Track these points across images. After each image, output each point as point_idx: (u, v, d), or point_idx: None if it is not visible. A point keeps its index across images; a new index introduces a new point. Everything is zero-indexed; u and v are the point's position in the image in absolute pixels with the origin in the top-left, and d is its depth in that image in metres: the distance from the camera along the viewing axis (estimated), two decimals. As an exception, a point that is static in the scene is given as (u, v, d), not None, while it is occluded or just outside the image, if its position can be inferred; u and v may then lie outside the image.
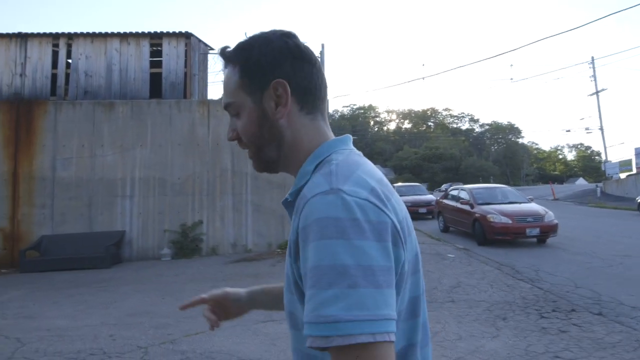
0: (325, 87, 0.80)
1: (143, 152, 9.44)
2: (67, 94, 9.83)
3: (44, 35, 9.72)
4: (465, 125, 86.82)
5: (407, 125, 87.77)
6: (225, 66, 0.78)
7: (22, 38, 9.70)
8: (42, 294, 6.54)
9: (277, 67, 0.74)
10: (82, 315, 5.39)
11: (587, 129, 34.99)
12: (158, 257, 9.17)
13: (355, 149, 0.78)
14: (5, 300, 6.29)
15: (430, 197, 16.40)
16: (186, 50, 9.86)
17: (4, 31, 9.63)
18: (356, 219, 0.60)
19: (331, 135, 0.79)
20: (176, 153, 9.45)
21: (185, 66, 9.79)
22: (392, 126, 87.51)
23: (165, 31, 9.79)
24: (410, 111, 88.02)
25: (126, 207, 9.36)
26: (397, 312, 0.62)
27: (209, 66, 10.38)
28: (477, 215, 9.90)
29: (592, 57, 31.23)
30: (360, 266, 0.57)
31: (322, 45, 10.21)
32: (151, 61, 9.90)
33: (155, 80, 9.86)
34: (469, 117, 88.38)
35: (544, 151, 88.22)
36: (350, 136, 0.81)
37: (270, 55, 0.74)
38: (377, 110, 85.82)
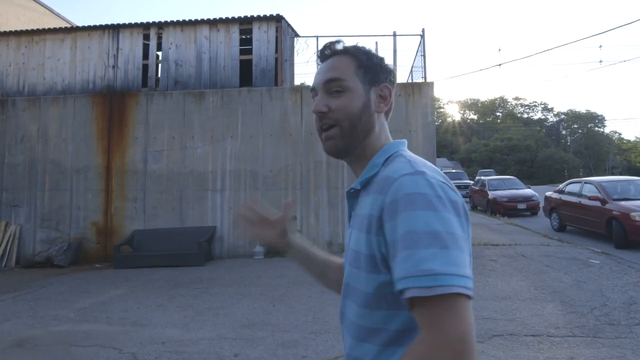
0: None
1: (233, 144, 8.90)
2: (158, 85, 9.54)
3: (135, 25, 9.49)
4: (537, 115, 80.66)
5: (472, 116, 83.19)
6: (337, 53, 0.93)
7: (114, 29, 9.54)
8: (143, 295, 6.10)
9: (388, 75, 0.95)
10: (193, 323, 4.78)
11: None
12: (250, 254, 8.60)
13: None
14: (107, 301, 5.91)
15: (529, 191, 14.67)
16: (277, 35, 9.17)
17: (96, 23, 9.43)
18: (439, 195, 0.74)
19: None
20: (268, 144, 8.81)
21: (276, 51, 9.11)
22: (457, 117, 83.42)
23: (255, 15, 9.17)
24: (475, 101, 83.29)
25: (217, 202, 8.88)
26: None
27: (296, 52, 9.62)
28: (614, 213, 8.31)
29: None
30: (449, 233, 0.70)
31: (423, 30, 9.08)
32: (241, 48, 9.34)
33: (245, 68, 9.30)
34: (542, 105, 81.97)
35: (629, 141, 79.70)
36: (406, 141, 0.97)
37: (386, 67, 0.95)
38: (440, 101, 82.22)
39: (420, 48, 9.05)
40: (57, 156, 9.29)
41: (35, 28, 9.95)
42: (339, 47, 0.94)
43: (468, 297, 0.68)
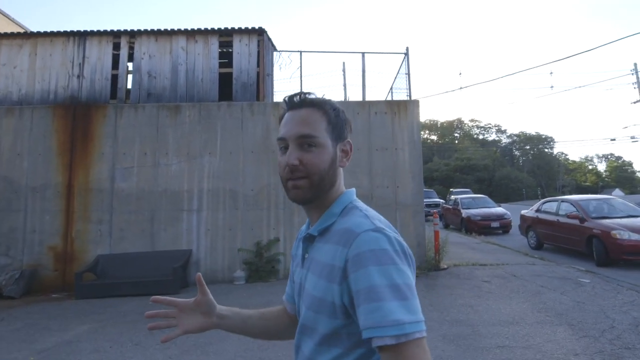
0: None
1: (212, 161, 8.35)
2: (129, 97, 8.87)
3: (104, 33, 8.83)
4: (492, 136, 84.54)
5: (432, 137, 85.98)
6: (308, 105, 0.99)
7: (81, 37, 8.84)
8: (115, 331, 5.38)
9: (346, 130, 1.04)
10: (182, 365, 4.19)
11: (632, 137, 33.01)
12: (230, 280, 7.99)
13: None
14: (73, 339, 5.15)
15: (501, 210, 14.93)
16: (259, 49, 8.82)
17: (61, 29, 8.70)
18: (397, 250, 0.84)
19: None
20: (249, 161, 8.33)
21: (258, 65, 8.74)
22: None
23: (236, 27, 8.79)
24: (435, 122, 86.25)
25: (192, 223, 8.25)
26: None
27: (278, 67, 9.30)
28: (594, 231, 8.45)
29: (635, 64, 29.48)
30: (406, 284, 0.81)
31: (407, 49, 9.05)
32: (220, 60, 8.89)
33: (225, 81, 8.85)
34: (496, 127, 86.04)
35: (574, 162, 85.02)
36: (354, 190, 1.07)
37: (346, 121, 1.04)
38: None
39: (404, 66, 8.99)
40: (9, 173, 8.34)
41: (-12, 32, 9.04)
42: (311, 98, 1.00)
43: (425, 337, 0.79)
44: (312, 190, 0.96)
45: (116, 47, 8.88)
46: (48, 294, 7.96)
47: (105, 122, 8.44)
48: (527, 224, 11.08)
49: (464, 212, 14.83)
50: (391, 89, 10.67)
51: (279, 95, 9.18)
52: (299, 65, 8.80)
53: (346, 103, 8.58)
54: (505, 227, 14.12)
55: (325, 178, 0.96)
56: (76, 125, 8.42)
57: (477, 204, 15.45)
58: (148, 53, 8.77)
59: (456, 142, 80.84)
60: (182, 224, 8.24)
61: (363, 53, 8.98)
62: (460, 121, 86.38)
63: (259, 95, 8.70)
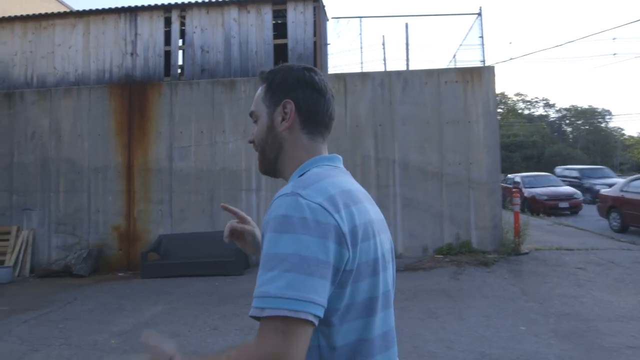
0: (331, 117, 0.99)
1: (270, 138, 8.02)
2: (183, 74, 8.62)
3: (155, 7, 8.55)
4: (539, 111, 79.95)
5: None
6: (261, 83, 0.99)
7: (132, 13, 8.60)
8: (189, 313, 5.22)
9: (291, 90, 0.92)
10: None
11: None
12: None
13: (341, 167, 0.96)
14: (149, 321, 5.03)
15: (569, 189, 13.84)
16: (314, 17, 8.27)
17: (112, 5, 8.50)
18: (304, 217, 0.74)
19: (324, 154, 0.95)
20: (308, 138, 7.92)
21: (314, 35, 8.21)
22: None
23: (290, -6, 8.26)
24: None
25: (252, 203, 8.01)
26: (346, 307, 0.78)
27: (337, 35, 8.73)
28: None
29: None
30: (299, 255, 0.71)
31: (480, 9, 8.21)
32: (275, 30, 8.43)
33: (280, 53, 8.39)
34: (544, 101, 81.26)
35: (631, 137, 79.05)
36: (339, 157, 0.98)
37: (289, 80, 0.93)
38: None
39: (475, 28, 8.19)
40: (72, 154, 8.37)
41: (43, 12, 8.98)
42: (262, 74, 0.99)
43: (303, 320, 0.70)
44: (262, 163, 0.98)
45: (167, 22, 8.59)
46: (114, 272, 8.04)
47: (161, 101, 8.25)
48: (609, 205, 10.10)
49: (527, 192, 13.86)
50: (454, 57, 9.86)
51: (340, 65, 8.64)
52: (359, 32, 8.21)
53: (411, 72, 7.94)
54: (574, 208, 13.09)
55: (266, 147, 0.95)
56: (133, 104, 8.28)
57: (540, 183, 14.40)
58: (200, 26, 8.43)
59: (499, 117, 77.03)
60: (242, 204, 8.01)
61: (406, 26, 8.25)
62: (504, 95, 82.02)
63: (316, 66, 8.18)
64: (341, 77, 8.02)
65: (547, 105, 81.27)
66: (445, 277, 6.33)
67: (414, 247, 7.65)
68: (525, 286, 5.62)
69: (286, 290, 0.70)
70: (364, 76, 7.99)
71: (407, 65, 8.56)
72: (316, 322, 0.72)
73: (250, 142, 0.99)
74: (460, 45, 9.16)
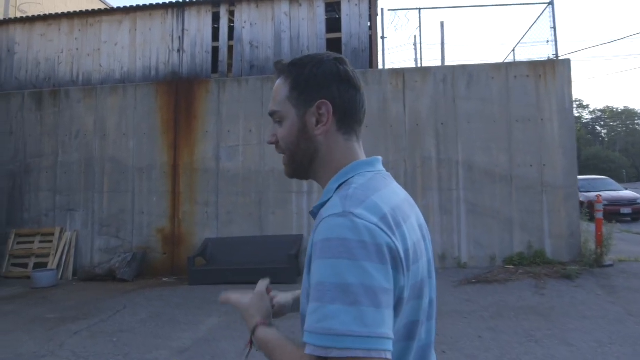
0: (365, 111, 0.89)
1: (323, 137, 7.54)
2: (231, 70, 8.27)
3: (203, 2, 8.23)
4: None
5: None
6: (278, 77, 0.87)
7: (179, 8, 8.31)
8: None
9: (324, 88, 0.81)
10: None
11: None
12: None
13: (383, 171, 0.86)
14: (209, 337, 4.59)
15: (630, 193, 12.87)
16: (370, 9, 7.77)
17: (160, 0, 8.23)
18: (363, 240, 0.66)
19: (362, 156, 0.87)
20: (364, 137, 7.31)
21: (370, 28, 7.71)
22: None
23: (344, -15, 7.79)
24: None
25: (303, 206, 7.54)
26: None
27: (394, 28, 8.21)
28: None
29: None
30: (363, 285, 0.64)
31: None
32: (328, 24, 7.97)
33: (333, 48, 7.93)
34: (577, 102, 78.34)
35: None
36: (380, 158, 0.88)
37: (320, 76, 0.82)
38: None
39: (545, 18, 7.51)
40: (116, 153, 8.11)
41: (90, 9, 8.80)
42: (280, 65, 0.88)
43: (375, 359, 0.63)
44: (291, 166, 0.90)
45: (215, 17, 8.26)
46: (158, 277, 7.70)
47: (208, 98, 7.90)
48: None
49: (583, 196, 12.94)
50: (513, 50, 9.18)
51: (398, 60, 8.10)
52: (418, 24, 7.67)
53: (476, 66, 7.33)
54: (637, 214, 12.14)
55: (297, 152, 0.86)
56: (179, 102, 7.96)
57: (596, 187, 13.45)
58: (249, 21, 8.05)
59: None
60: (292, 207, 7.57)
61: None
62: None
63: (372, 61, 7.70)
64: (399, 73, 7.47)
65: (581, 106, 78.41)
66: (527, 291, 5.68)
67: (480, 256, 7.02)
68: (627, 305, 4.93)
69: (355, 326, 0.62)
70: (424, 71, 7.43)
71: (443, 58, 7.93)
72: (390, 357, 0.64)
73: (271, 143, 0.90)
74: (523, 37, 8.48)
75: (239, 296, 0.95)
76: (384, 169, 0.87)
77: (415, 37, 13.66)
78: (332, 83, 0.82)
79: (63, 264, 7.90)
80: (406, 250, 0.71)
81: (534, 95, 7.05)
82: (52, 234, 8.13)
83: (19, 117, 8.48)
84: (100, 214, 8.09)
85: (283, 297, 1.06)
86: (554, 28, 7.29)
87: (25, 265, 8.05)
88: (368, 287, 0.64)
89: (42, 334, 4.77)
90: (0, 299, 6.60)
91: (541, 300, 5.33)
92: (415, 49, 7.85)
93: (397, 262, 0.69)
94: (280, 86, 0.86)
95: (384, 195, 0.75)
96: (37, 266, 7.93)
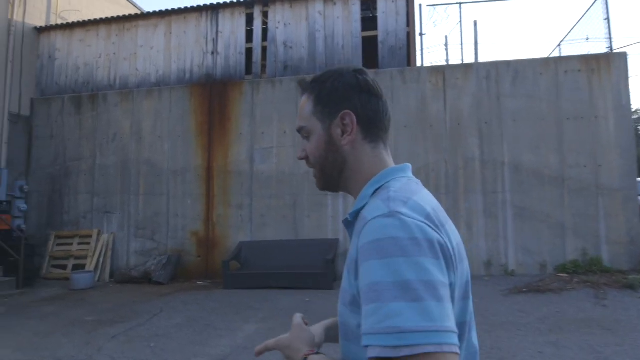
0: (389, 118, 0.89)
1: (359, 138, 7.31)
2: (265, 71, 8.17)
3: (237, 4, 8.18)
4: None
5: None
6: (302, 94, 0.90)
7: (213, 10, 8.29)
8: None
9: (346, 99, 0.83)
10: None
11: None
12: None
13: (413, 177, 0.85)
14: (248, 345, 4.42)
15: None
16: (407, 5, 7.50)
17: (194, 3, 8.23)
18: (415, 237, 0.66)
19: (391, 163, 0.86)
20: (402, 137, 7.13)
21: (407, 25, 7.44)
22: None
23: (381, -19, 7.56)
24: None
25: (339, 209, 7.32)
26: None
27: (433, 24, 7.91)
28: None
29: None
30: (422, 281, 0.63)
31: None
32: (363, 23, 7.76)
33: (369, 46, 7.72)
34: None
35: None
36: (410, 165, 0.87)
37: (341, 88, 0.83)
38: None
39: (598, 8, 7.03)
40: (152, 156, 8.14)
41: (126, 14, 8.92)
42: (304, 84, 0.91)
43: (447, 353, 0.60)
44: (322, 179, 0.90)
45: (249, 18, 8.20)
46: (192, 280, 7.65)
47: (242, 100, 7.82)
48: None
49: None
50: (559, 45, 8.68)
51: (436, 57, 7.80)
52: (459, 19, 7.33)
53: (522, 62, 6.92)
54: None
55: (326, 165, 0.87)
56: (213, 104, 7.92)
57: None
58: (283, 21, 7.93)
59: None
60: (327, 210, 7.36)
61: None
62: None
63: (410, 59, 7.41)
64: (439, 70, 7.16)
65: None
66: (586, 302, 5.24)
67: (528, 264, 6.58)
68: None
69: (422, 322, 0.61)
70: (466, 68, 7.08)
71: (477, 59, 7.52)
72: (459, 351, 0.62)
73: (302, 159, 0.91)
74: (571, 30, 7.98)
75: (275, 339, 0.91)
76: (412, 175, 0.87)
77: (446, 37, 13.26)
78: (353, 94, 0.84)
79: (100, 266, 7.97)
80: (453, 249, 0.71)
81: (587, 91, 6.58)
82: (90, 236, 8.23)
83: (59, 121, 8.66)
84: (136, 216, 8.13)
85: (314, 329, 1.01)
86: (608, 19, 6.80)
87: (64, 267, 8.18)
88: (427, 282, 0.63)
89: (81, 337, 4.73)
90: (41, 300, 6.69)
91: (604, 312, 4.88)
92: (462, 43, 7.48)
93: (447, 258, 0.68)
94: (305, 103, 0.89)
95: (422, 197, 0.76)
96: (76, 268, 8.04)
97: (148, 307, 6.01)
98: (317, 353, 0.83)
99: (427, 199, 0.76)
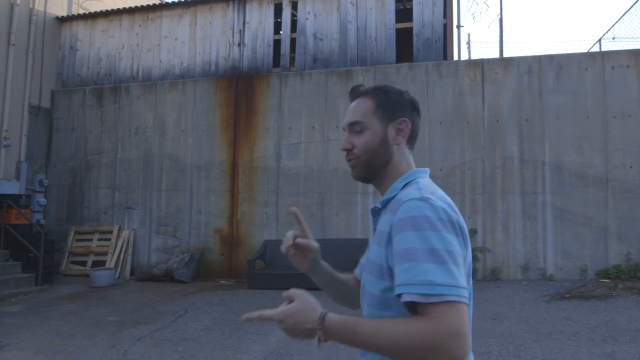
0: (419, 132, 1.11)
1: (391, 135, 7.02)
2: (293, 64, 7.91)
3: (264, -6, 7.92)
4: None
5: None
6: (356, 97, 1.10)
7: (240, 0, 8.04)
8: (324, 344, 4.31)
9: (405, 110, 1.06)
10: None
11: None
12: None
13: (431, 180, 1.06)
14: (283, 352, 4.17)
15: None
16: (444, -5, 7.19)
17: None
18: (442, 218, 0.87)
19: (415, 165, 1.09)
20: (437, 134, 6.83)
21: (444, 16, 7.13)
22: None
23: (415, -29, 7.25)
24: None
25: (368, 207, 7.03)
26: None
27: (471, 16, 7.58)
28: None
29: None
30: (446, 250, 0.83)
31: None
32: (397, 13, 7.46)
33: (403, 39, 7.43)
34: None
35: None
36: (429, 169, 1.09)
37: (403, 101, 1.07)
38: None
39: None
40: (175, 150, 7.93)
41: (150, 4, 8.71)
42: (360, 90, 1.10)
43: (462, 303, 0.81)
44: (363, 168, 1.06)
45: (277, 9, 7.94)
46: (215, 279, 7.44)
47: (269, 93, 7.57)
48: None
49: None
50: (599, 40, 8.31)
51: (476, 50, 7.47)
52: (499, 11, 7.00)
53: (567, 56, 6.58)
54: None
55: (376, 156, 1.04)
56: (239, 97, 7.68)
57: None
58: (313, 12, 7.66)
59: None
60: (356, 209, 7.09)
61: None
62: None
63: (446, 52, 7.10)
64: (478, 64, 6.84)
65: None
66: (635, 310, 4.92)
67: (568, 268, 6.26)
68: None
69: (448, 279, 0.81)
70: (506, 62, 6.76)
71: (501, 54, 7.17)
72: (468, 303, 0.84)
73: (347, 150, 1.07)
74: (614, 24, 7.61)
75: (273, 310, 0.95)
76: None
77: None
78: (408, 109, 1.07)
79: (121, 263, 7.78)
80: (467, 233, 0.93)
81: (636, 88, 6.23)
82: (111, 232, 8.04)
83: (80, 114, 8.49)
84: (158, 212, 7.93)
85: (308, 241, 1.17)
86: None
87: (83, 263, 8.01)
88: (450, 251, 0.84)
89: (104, 340, 4.51)
90: (61, 297, 6.50)
91: (662, 322, 4.56)
92: (501, 36, 7.15)
93: (464, 237, 0.90)
94: (363, 104, 1.06)
95: (443, 193, 0.97)
96: (95, 264, 7.86)
97: (172, 307, 5.79)
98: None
99: (445, 194, 0.97)
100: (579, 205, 6.30)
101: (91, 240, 8.14)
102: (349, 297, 1.20)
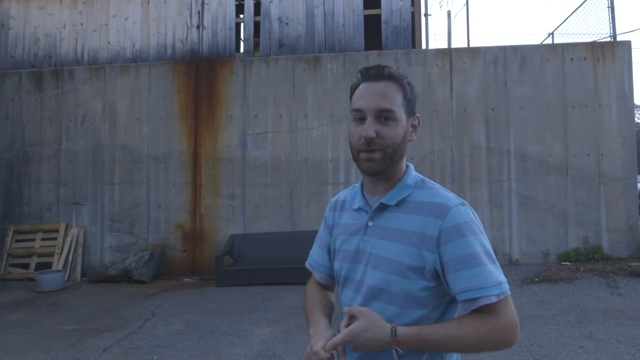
0: None
1: (362, 124, 6.90)
2: (258, 49, 7.52)
3: (224, -27, 7.43)
4: None
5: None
6: (384, 79, 1.03)
7: (197, -21, 7.48)
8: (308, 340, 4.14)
9: (416, 105, 1.08)
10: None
11: None
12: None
13: None
14: (270, 354, 3.96)
15: None
16: (411, -18, 7.12)
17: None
18: (479, 221, 1.01)
19: None
20: (406, 124, 6.79)
21: (412, 4, 7.06)
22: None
23: (384, -44, 7.10)
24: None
25: (339, 199, 6.91)
26: None
27: (439, 5, 7.57)
28: None
29: None
30: (492, 251, 0.98)
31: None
32: (366, 0, 7.28)
33: (372, 26, 7.28)
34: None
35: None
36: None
37: (416, 97, 1.08)
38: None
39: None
40: (128, 141, 7.31)
41: (94, -21, 7.88)
42: (390, 72, 1.04)
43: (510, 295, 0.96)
44: (385, 162, 1.01)
45: (238, -10, 7.49)
46: (178, 277, 7.01)
47: (232, 80, 7.16)
48: None
49: None
50: (551, 33, 8.68)
51: (439, 40, 7.48)
52: (465, 1, 7.05)
53: (530, 47, 6.77)
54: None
55: (398, 151, 1.02)
56: (199, 84, 7.19)
57: None
58: (277, -5, 7.30)
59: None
60: (327, 200, 6.92)
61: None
62: None
63: (415, 41, 7.07)
64: (446, 53, 6.86)
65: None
66: (600, 291, 5.21)
67: (532, 252, 6.53)
68: None
69: (502, 277, 0.95)
70: (473, 52, 6.84)
71: (465, 38, 7.36)
72: None
73: (372, 138, 0.99)
74: (568, 17, 7.96)
75: (342, 334, 0.97)
76: None
77: (448, 12, 13.07)
78: (416, 104, 1.10)
79: (70, 264, 7.10)
80: None
81: (592, 80, 6.55)
82: (56, 231, 7.30)
83: (15, 100, 7.57)
84: (110, 208, 7.30)
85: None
86: (611, 8, 6.77)
87: (26, 266, 7.23)
88: (492, 252, 0.98)
89: (65, 352, 4.04)
90: (3, 306, 5.81)
91: (623, 301, 4.85)
92: (468, 25, 7.22)
93: None
94: (393, 90, 1.02)
95: None
96: (40, 267, 7.12)
97: (136, 310, 5.35)
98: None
99: None
100: (541, 192, 6.56)
101: (34, 240, 7.35)
102: (328, 315, 1.21)
